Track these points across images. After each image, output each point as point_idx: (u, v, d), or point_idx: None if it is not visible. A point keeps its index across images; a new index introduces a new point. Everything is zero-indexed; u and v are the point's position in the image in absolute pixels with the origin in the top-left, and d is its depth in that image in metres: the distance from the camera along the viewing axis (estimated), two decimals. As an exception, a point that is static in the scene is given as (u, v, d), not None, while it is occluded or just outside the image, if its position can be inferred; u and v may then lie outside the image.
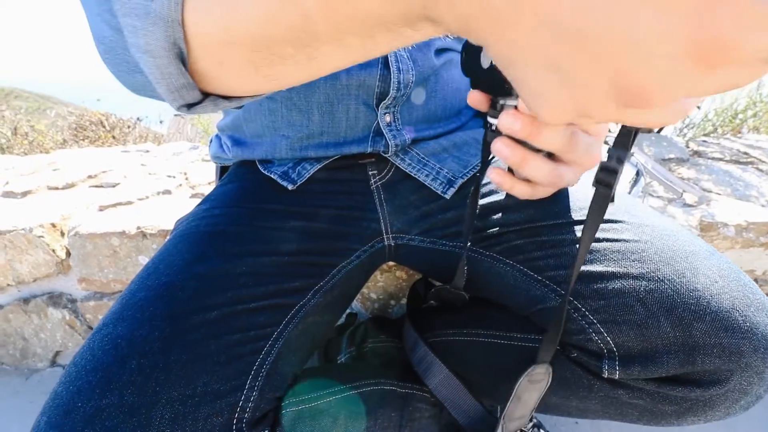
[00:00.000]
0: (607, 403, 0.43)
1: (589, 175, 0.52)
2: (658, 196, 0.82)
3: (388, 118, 0.51)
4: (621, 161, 0.30)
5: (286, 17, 0.22)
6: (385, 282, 0.79)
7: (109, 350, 0.36)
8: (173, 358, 0.36)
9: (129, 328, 0.38)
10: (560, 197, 0.46)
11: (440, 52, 0.54)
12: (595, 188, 0.32)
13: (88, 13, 0.28)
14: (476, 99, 0.34)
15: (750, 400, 0.39)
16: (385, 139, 0.52)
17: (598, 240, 0.42)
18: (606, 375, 0.39)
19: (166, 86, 0.26)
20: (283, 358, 0.42)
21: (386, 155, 0.53)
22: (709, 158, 1.00)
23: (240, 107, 0.38)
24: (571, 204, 0.46)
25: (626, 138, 0.29)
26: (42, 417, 0.34)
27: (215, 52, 0.25)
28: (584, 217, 0.44)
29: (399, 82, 0.49)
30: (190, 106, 0.29)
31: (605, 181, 0.31)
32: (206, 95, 0.29)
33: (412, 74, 0.50)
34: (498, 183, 0.39)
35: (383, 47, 0.24)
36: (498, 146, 0.34)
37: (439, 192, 0.51)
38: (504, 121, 0.31)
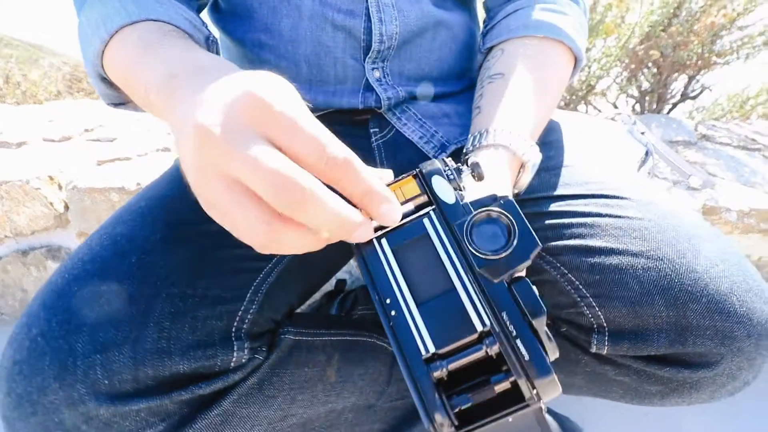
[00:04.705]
0: (593, 378, 0.44)
1: (587, 154, 0.49)
2: (663, 178, 0.81)
3: (377, 74, 0.50)
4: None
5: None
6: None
7: (107, 245, 0.36)
8: (175, 259, 0.36)
9: (130, 229, 0.37)
10: (560, 170, 0.46)
11: (446, 1, 0.51)
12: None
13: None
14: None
15: (737, 386, 0.39)
16: (376, 94, 0.50)
17: (601, 215, 0.42)
18: (594, 350, 0.40)
19: (99, 91, 0.41)
20: (281, 284, 0.42)
21: (380, 111, 0.51)
22: (716, 143, 0.99)
23: None
24: (571, 177, 0.45)
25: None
26: (34, 301, 0.33)
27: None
28: (585, 192, 0.44)
29: (381, 35, 0.47)
30: (116, 105, 0.43)
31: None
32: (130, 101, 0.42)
33: (396, 25, 0.47)
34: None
35: None
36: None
37: (430, 156, 0.49)
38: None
